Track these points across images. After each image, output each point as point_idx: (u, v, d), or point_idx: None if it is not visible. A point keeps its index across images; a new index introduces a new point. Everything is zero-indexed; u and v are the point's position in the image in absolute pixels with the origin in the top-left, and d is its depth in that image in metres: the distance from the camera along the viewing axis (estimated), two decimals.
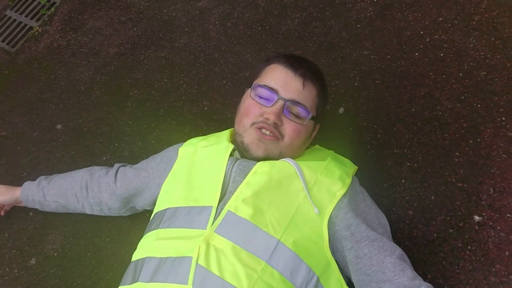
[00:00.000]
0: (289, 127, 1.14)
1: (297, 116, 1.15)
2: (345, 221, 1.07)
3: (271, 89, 1.14)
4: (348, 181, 1.12)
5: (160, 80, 1.81)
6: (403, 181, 1.35)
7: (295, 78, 1.16)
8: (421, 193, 1.32)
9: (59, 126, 1.83)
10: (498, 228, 1.23)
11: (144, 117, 1.73)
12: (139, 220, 1.46)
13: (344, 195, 1.09)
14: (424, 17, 1.62)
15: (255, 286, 0.94)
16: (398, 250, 1.05)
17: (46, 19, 2.29)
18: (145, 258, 1.07)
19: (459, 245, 1.23)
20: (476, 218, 1.25)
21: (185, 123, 1.66)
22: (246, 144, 1.15)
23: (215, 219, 1.04)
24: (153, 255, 1.06)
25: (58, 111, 1.88)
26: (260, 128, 1.13)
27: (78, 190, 1.43)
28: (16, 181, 1.61)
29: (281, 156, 1.15)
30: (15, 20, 2.41)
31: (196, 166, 1.19)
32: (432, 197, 1.31)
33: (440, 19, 1.60)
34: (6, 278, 1.52)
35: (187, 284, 0.95)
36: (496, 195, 1.27)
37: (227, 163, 1.14)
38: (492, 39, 1.50)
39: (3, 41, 2.33)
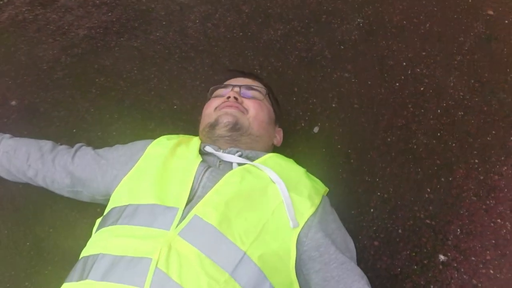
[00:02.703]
0: (250, 102, 1.24)
1: (254, 97, 1.27)
2: (315, 241, 1.02)
3: (225, 86, 1.30)
4: (317, 201, 1.07)
5: (129, 71, 1.70)
6: (372, 210, 1.32)
7: (244, 77, 1.33)
8: (389, 225, 1.29)
9: (13, 102, 1.67)
10: (462, 270, 1.21)
11: (107, 106, 1.61)
12: (88, 214, 1.33)
13: (314, 214, 1.04)
14: (408, 49, 1.62)
15: None
16: (365, 277, 1.02)
17: None
18: (98, 254, 0.96)
19: (421, 282, 1.20)
20: (441, 257, 1.23)
21: (151, 118, 1.56)
22: (215, 120, 1.20)
23: (180, 221, 0.96)
24: (108, 252, 0.95)
25: (14, 86, 1.72)
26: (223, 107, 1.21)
27: (33, 150, 1.32)
28: None
29: (252, 130, 1.20)
30: None
31: (165, 167, 1.11)
32: (400, 231, 1.28)
33: (424, 53, 1.60)
34: None
35: (142, 287, 0.86)
36: (463, 236, 1.26)
37: (198, 168, 1.07)
38: (472, 81, 1.52)
39: None
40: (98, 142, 1.52)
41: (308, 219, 1.02)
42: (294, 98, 1.56)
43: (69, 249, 1.31)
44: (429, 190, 1.33)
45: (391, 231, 1.28)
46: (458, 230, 1.27)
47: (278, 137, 1.31)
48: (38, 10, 1.99)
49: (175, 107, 1.58)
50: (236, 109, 1.19)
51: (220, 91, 1.29)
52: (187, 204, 1.00)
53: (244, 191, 1.02)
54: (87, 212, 1.35)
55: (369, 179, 1.37)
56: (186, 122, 1.54)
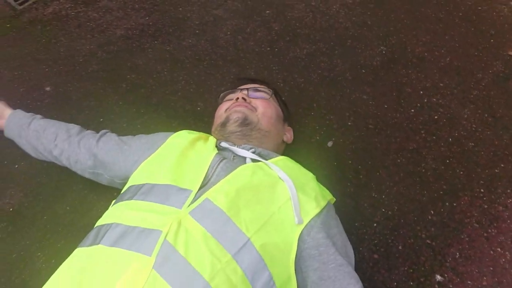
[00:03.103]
0: (258, 101, 1.33)
1: (261, 96, 1.36)
2: (316, 240, 1.06)
3: (234, 90, 1.40)
4: (323, 203, 1.12)
5: (160, 72, 1.79)
6: (375, 224, 1.36)
7: (251, 82, 1.43)
8: (390, 240, 1.32)
9: (48, 88, 1.78)
10: None
11: (135, 102, 1.70)
12: (105, 197, 1.41)
13: (318, 215, 1.08)
14: (426, 79, 1.68)
15: (216, 276, 0.91)
16: (361, 283, 1.05)
17: None
18: (112, 224, 1.03)
19: None
20: (438, 277, 1.26)
21: (175, 117, 1.64)
22: (226, 118, 1.29)
23: (191, 202, 1.02)
24: (121, 222, 1.02)
25: (51, 74, 1.83)
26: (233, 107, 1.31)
27: (61, 131, 1.42)
28: None
29: (260, 125, 1.27)
30: None
31: (183, 155, 1.18)
32: (400, 247, 1.31)
33: (441, 84, 1.66)
34: None
35: (150, 256, 0.92)
36: (461, 260, 1.28)
37: (214, 158, 1.14)
38: (486, 115, 1.56)
39: None
40: (122, 132, 1.59)
41: (312, 218, 1.07)
42: (312, 113, 1.62)
43: (83, 227, 1.38)
44: (432, 212, 1.37)
45: (392, 247, 1.31)
46: (457, 253, 1.29)
47: (288, 135, 1.39)
48: (81, 8, 2.12)
49: (198, 108, 1.66)
50: (245, 105, 1.29)
51: (230, 96, 1.40)
52: (200, 188, 1.06)
53: (254, 184, 1.08)
54: (105, 195, 1.42)
55: (375, 196, 1.41)
56: (207, 124, 1.61)
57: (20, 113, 1.55)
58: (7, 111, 1.56)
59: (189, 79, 1.76)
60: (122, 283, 0.90)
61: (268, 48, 1.85)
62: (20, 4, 2.22)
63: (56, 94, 1.76)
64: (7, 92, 1.73)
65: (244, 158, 1.18)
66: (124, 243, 0.96)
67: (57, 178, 1.51)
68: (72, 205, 1.45)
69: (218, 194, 1.04)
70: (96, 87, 1.77)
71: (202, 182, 1.08)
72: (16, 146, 1.58)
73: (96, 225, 1.09)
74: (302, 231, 1.06)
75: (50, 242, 1.37)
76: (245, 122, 1.25)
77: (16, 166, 1.56)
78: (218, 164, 1.13)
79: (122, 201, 1.11)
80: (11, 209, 1.45)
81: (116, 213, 1.07)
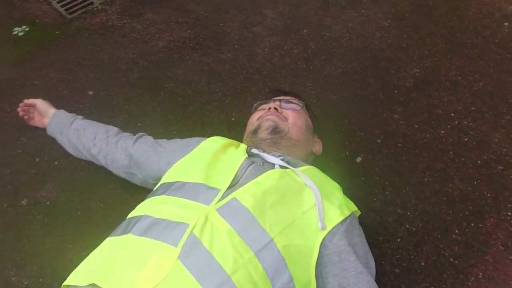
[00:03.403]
0: (289, 112, 1.38)
1: (292, 108, 1.41)
2: (337, 247, 1.09)
3: (267, 101, 1.45)
4: (347, 212, 1.15)
5: (197, 82, 1.88)
6: (398, 240, 1.38)
7: (284, 95, 1.49)
8: (412, 256, 1.34)
9: (90, 92, 1.90)
10: None
11: (172, 109, 1.79)
12: (137, 197, 1.47)
13: (341, 223, 1.12)
14: (458, 102, 1.70)
15: (238, 271, 0.96)
16: None
17: (108, 0, 2.41)
18: (142, 215, 1.09)
19: None
20: None
21: (209, 125, 1.71)
22: (257, 126, 1.35)
23: (219, 200, 1.07)
24: (151, 214, 1.08)
25: (94, 79, 1.95)
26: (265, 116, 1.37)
27: (100, 131, 1.53)
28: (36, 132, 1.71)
29: (291, 135, 1.32)
30: None
31: (215, 157, 1.24)
32: (422, 263, 1.32)
33: (473, 108, 1.68)
34: None
35: (176, 247, 0.97)
36: (484, 281, 1.29)
37: (243, 162, 1.20)
38: None
39: (62, 6, 2.43)
40: (158, 137, 1.67)
41: (335, 225, 1.10)
42: (343, 129, 1.67)
43: (114, 224, 1.44)
44: (457, 231, 1.38)
45: (414, 262, 1.33)
46: (481, 274, 1.30)
47: (317, 147, 1.43)
48: (126, 19, 2.25)
49: (232, 119, 1.73)
50: (276, 116, 1.34)
51: (263, 106, 1.46)
52: (228, 188, 1.12)
53: (281, 188, 1.12)
54: (137, 195, 1.49)
55: (400, 212, 1.43)
56: (240, 134, 1.66)
57: (63, 113, 1.67)
58: (51, 111, 1.68)
59: (226, 91, 1.84)
60: (147, 269, 0.96)
61: (304, 65, 1.91)
62: (70, 13, 2.37)
63: (98, 98, 1.87)
64: (52, 93, 1.84)
65: (273, 164, 1.23)
66: (153, 233, 1.03)
67: (93, 176, 1.60)
68: (105, 202, 1.54)
69: (245, 194, 1.09)
70: (136, 94, 1.87)
71: (231, 183, 1.14)
72: (56, 144, 1.69)
73: (127, 217, 1.16)
74: (324, 237, 1.09)
75: (82, 235, 1.45)
76: (275, 130, 1.30)
77: (56, 162, 1.66)
78: (248, 167, 1.18)
79: (153, 196, 1.18)
80: (47, 202, 1.54)
81: (147, 207, 1.14)
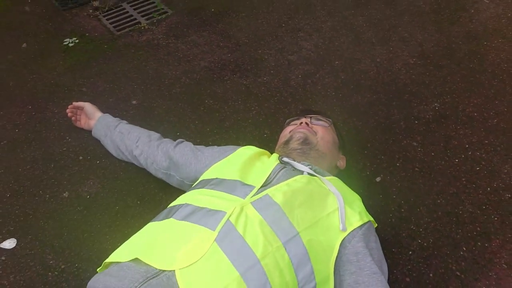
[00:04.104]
0: (319, 128, 1.55)
1: (321, 125, 1.57)
2: (355, 248, 1.24)
3: (298, 117, 1.61)
4: (366, 219, 1.30)
5: (235, 100, 2.08)
6: (410, 252, 1.52)
7: (314, 113, 1.64)
8: (422, 268, 1.47)
9: (134, 102, 2.11)
10: None
11: (210, 123, 1.98)
12: (172, 198, 1.59)
13: (360, 227, 1.26)
14: (473, 135, 1.86)
15: (267, 257, 1.11)
16: None
17: (155, 21, 2.67)
18: (183, 204, 1.27)
19: None
20: None
21: (243, 140, 1.89)
22: (289, 137, 1.51)
23: (254, 195, 1.25)
24: (191, 203, 1.26)
25: (138, 90, 2.17)
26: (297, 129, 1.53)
27: (143, 135, 1.73)
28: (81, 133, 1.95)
29: (319, 147, 1.47)
30: (127, 12, 2.80)
31: (250, 161, 1.43)
32: (431, 275, 1.46)
33: (486, 141, 1.83)
34: (37, 198, 1.75)
35: (214, 230, 1.14)
36: None
37: (276, 166, 1.37)
38: None
39: (111, 23, 2.69)
40: None
41: (354, 229, 1.26)
42: (366, 152, 1.84)
43: (149, 221, 1.59)
44: (465, 249, 1.51)
45: (423, 274, 1.46)
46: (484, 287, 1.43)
47: (341, 162, 1.59)
48: (171, 39, 2.49)
49: (265, 135, 1.91)
50: (307, 130, 1.51)
51: (294, 121, 1.61)
52: (261, 187, 1.29)
53: (308, 191, 1.29)
54: (172, 196, 1.61)
55: (413, 228, 1.58)
56: (271, 149, 1.81)
57: (108, 116, 1.88)
58: (98, 114, 1.90)
59: (260, 110, 2.03)
60: (187, 248, 1.12)
61: (333, 93, 2.10)
62: (118, 30, 2.63)
63: (141, 108, 2.08)
64: (98, 99, 2.05)
65: (302, 171, 1.40)
66: (193, 218, 1.20)
67: (132, 176, 1.80)
68: (142, 200, 1.72)
69: (277, 193, 1.26)
70: (177, 107, 2.08)
71: (264, 182, 1.31)
72: (100, 145, 1.90)
73: (168, 206, 1.34)
74: (344, 238, 1.24)
75: (118, 228, 1.62)
76: (306, 142, 1.47)
77: (98, 162, 1.87)
78: (279, 171, 1.35)
79: (193, 189, 1.36)
80: (88, 197, 1.74)
81: (187, 197, 1.32)
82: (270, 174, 1.35)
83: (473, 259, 1.49)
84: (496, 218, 1.59)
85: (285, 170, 1.36)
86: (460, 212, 1.61)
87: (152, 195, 1.72)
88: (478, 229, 1.56)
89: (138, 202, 1.71)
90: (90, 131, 1.93)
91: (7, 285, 1.49)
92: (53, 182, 1.80)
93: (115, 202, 1.72)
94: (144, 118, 1.99)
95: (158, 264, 1.11)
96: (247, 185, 1.31)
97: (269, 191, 1.27)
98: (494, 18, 2.50)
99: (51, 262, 1.55)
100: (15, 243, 1.62)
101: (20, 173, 1.85)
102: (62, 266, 1.54)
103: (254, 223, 1.17)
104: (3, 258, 1.57)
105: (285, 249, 1.16)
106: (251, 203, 1.23)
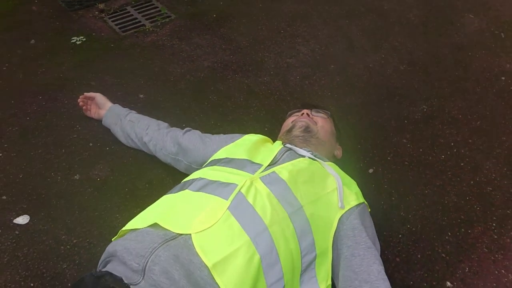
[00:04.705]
0: (319, 118, 1.68)
1: (321, 116, 1.70)
2: (352, 224, 1.36)
3: (299, 110, 1.72)
4: (361, 200, 1.43)
5: (237, 97, 2.22)
6: (400, 236, 1.64)
7: (314, 107, 1.76)
8: (411, 250, 1.60)
9: (141, 95, 2.23)
10: None
11: (214, 116, 2.11)
12: (179, 182, 1.75)
13: (356, 206, 1.39)
14: (458, 135, 2.01)
15: (274, 225, 1.23)
16: (383, 265, 1.33)
17: (159, 24, 2.81)
18: (197, 178, 1.39)
19: None
20: (448, 284, 1.51)
21: (245, 132, 1.94)
22: (292, 126, 1.63)
23: (262, 172, 1.37)
24: (205, 177, 1.38)
25: (145, 85, 2.29)
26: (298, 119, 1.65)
27: (153, 124, 1.85)
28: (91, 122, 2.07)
29: (319, 135, 1.59)
30: (132, 15, 2.94)
31: (256, 144, 1.55)
32: (419, 256, 1.58)
33: (470, 141, 1.99)
34: (48, 180, 1.85)
35: (227, 200, 1.25)
36: (470, 274, 1.54)
37: (281, 149, 1.50)
38: (505, 169, 1.86)
39: (116, 25, 2.82)
40: None
41: (351, 207, 1.38)
42: (359, 146, 1.98)
43: None
44: (450, 234, 1.65)
45: (412, 254, 1.59)
46: (467, 268, 1.55)
47: (338, 152, 1.72)
48: (175, 41, 2.62)
49: (265, 129, 2.04)
50: (308, 118, 1.65)
51: (296, 113, 1.74)
52: (268, 165, 1.41)
53: (311, 171, 1.42)
54: (179, 180, 1.72)
55: (403, 214, 1.71)
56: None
57: (118, 107, 1.99)
58: (108, 104, 2.02)
59: (261, 107, 2.17)
60: (202, 215, 1.24)
61: (329, 93, 2.25)
62: (123, 31, 2.76)
63: (148, 101, 2.20)
64: (107, 93, 2.14)
65: (304, 156, 1.52)
66: (207, 189, 1.32)
67: (141, 162, 1.91)
68: (151, 184, 1.82)
69: (283, 170, 1.38)
70: (182, 101, 2.20)
71: (271, 162, 1.43)
72: (109, 133, 2.01)
73: (182, 181, 1.45)
74: (342, 214, 1.37)
75: (128, 208, 1.72)
76: (307, 129, 1.60)
77: (107, 148, 1.98)
78: (284, 153, 1.48)
79: (206, 166, 1.48)
80: (98, 179, 1.84)
81: (201, 173, 1.44)
82: (276, 155, 1.47)
83: (457, 243, 1.62)
84: (478, 208, 1.73)
85: (289, 152, 1.49)
86: (446, 202, 1.75)
87: (160, 179, 1.83)
88: (462, 217, 1.70)
89: (147, 185, 1.81)
90: (100, 121, 2.04)
91: (21, 257, 1.58)
92: (64, 166, 1.89)
93: (124, 184, 1.82)
94: (151, 111, 2.09)
95: (175, 228, 1.22)
96: (255, 163, 1.43)
97: (275, 168, 1.39)
98: (478, 32, 2.69)
99: (63, 237, 1.64)
100: (28, 219, 1.70)
101: (32, 157, 1.94)
102: (74, 241, 1.63)
103: (263, 195, 1.29)
104: (16, 232, 1.66)
105: (290, 219, 1.27)
106: (259, 178, 1.34)
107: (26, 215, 1.71)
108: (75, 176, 1.85)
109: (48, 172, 1.87)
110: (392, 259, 1.58)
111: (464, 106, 2.16)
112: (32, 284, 1.50)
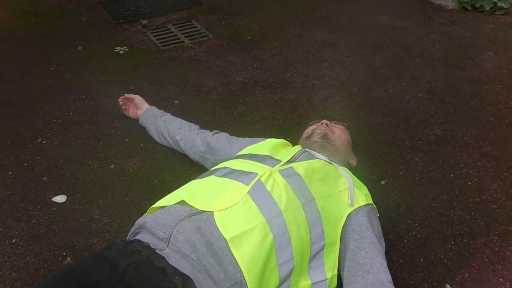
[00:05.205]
0: (336, 128, 1.84)
1: (339, 127, 1.85)
2: (360, 221, 1.50)
3: (319, 121, 1.87)
4: (370, 201, 1.57)
5: (264, 110, 2.40)
6: (405, 241, 1.76)
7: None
8: (415, 254, 1.71)
9: (176, 102, 2.44)
10: None
11: (241, 125, 2.29)
12: None
13: (365, 206, 1.53)
14: (468, 158, 2.14)
15: (288, 211, 1.38)
16: (386, 260, 1.45)
17: (197, 42, 3.05)
18: (222, 167, 1.55)
19: None
20: (448, 286, 1.61)
21: None
22: (311, 132, 1.79)
23: (281, 166, 1.52)
24: (230, 166, 1.55)
25: (180, 93, 2.50)
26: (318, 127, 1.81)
27: (185, 125, 2.05)
28: (128, 121, 2.20)
29: (335, 143, 1.75)
30: (172, 32, 3.20)
31: (277, 147, 1.72)
32: (422, 259, 1.69)
33: (479, 163, 2.11)
34: (86, 167, 2.06)
35: (247, 185, 1.41)
36: (469, 279, 1.64)
37: (300, 150, 1.65)
38: (511, 190, 1.97)
39: (157, 39, 3.06)
40: None
41: (360, 206, 1.52)
42: (374, 161, 2.12)
43: None
44: (453, 243, 1.75)
45: (415, 258, 1.70)
46: (467, 274, 1.65)
47: (352, 161, 1.87)
48: (210, 57, 2.85)
49: (288, 139, 2.16)
50: (327, 127, 1.80)
51: (316, 123, 1.88)
52: (287, 162, 1.56)
53: (325, 171, 1.57)
54: None
55: (409, 222, 1.83)
56: None
57: (154, 108, 2.20)
58: (146, 105, 2.23)
59: (286, 120, 2.34)
60: (224, 196, 1.40)
61: (350, 113, 2.41)
62: (163, 46, 2.99)
63: (182, 107, 2.40)
64: (144, 97, 2.35)
65: (320, 159, 1.67)
66: (230, 176, 1.49)
67: (171, 158, 2.10)
68: (179, 178, 2.00)
69: (300, 167, 1.54)
70: (213, 109, 2.39)
71: (289, 159, 1.59)
72: (144, 132, 2.22)
73: (209, 170, 1.61)
74: (351, 211, 1.50)
75: (156, 197, 1.85)
76: (325, 137, 1.76)
77: (141, 144, 2.18)
78: (302, 153, 1.64)
79: (231, 159, 1.65)
80: (131, 170, 2.04)
81: (226, 163, 1.61)
82: (295, 154, 1.63)
83: (459, 251, 1.73)
84: (482, 223, 1.84)
85: (307, 153, 1.64)
86: (451, 215, 1.86)
87: (188, 175, 2.00)
88: (466, 229, 1.81)
89: (175, 179, 1.98)
90: (136, 120, 2.24)
91: (56, 230, 1.76)
92: (101, 156, 2.09)
93: (155, 176, 2.00)
94: (184, 116, 2.28)
95: (200, 205, 1.38)
96: (276, 159, 1.59)
97: (293, 165, 1.55)
98: (496, 68, 2.84)
99: (96, 216, 1.82)
100: (65, 198, 1.89)
101: (73, 146, 2.15)
102: (105, 220, 1.80)
103: (280, 185, 1.44)
104: (54, 209, 1.85)
105: (303, 209, 1.42)
106: (278, 171, 1.50)
107: (64, 195, 1.90)
108: (111, 166, 2.04)
109: (86, 160, 2.07)
110: (396, 260, 1.69)
111: (476, 133, 2.29)
112: (64, 253, 1.68)
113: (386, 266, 1.43)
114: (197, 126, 2.06)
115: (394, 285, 1.42)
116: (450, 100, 2.53)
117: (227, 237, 1.30)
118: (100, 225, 1.78)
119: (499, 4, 3.40)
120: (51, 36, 3.14)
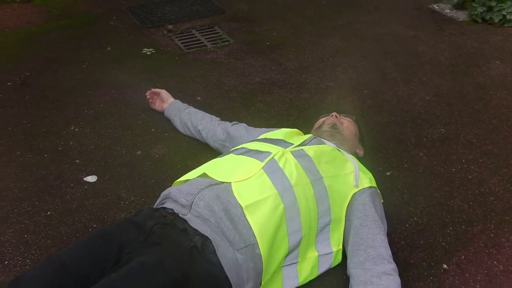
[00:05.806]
0: (345, 120, 2.00)
1: (348, 119, 2.00)
2: (363, 200, 1.66)
3: (329, 114, 2.02)
4: (374, 185, 1.72)
5: (280, 107, 2.58)
6: (407, 225, 1.90)
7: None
8: (415, 236, 1.86)
9: (199, 98, 2.63)
10: (456, 278, 1.71)
11: (258, 120, 2.47)
12: None
13: (369, 188, 1.69)
14: (470, 154, 2.28)
15: (298, 186, 1.55)
16: (387, 236, 1.60)
17: (219, 46, 3.25)
18: (240, 147, 1.73)
19: (425, 273, 1.72)
20: (444, 266, 1.75)
21: None
22: (322, 123, 1.96)
23: (293, 148, 1.69)
24: (247, 147, 1.72)
25: (203, 91, 2.69)
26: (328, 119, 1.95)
27: (207, 116, 2.25)
28: (154, 113, 2.40)
29: (343, 133, 1.91)
30: (196, 36, 3.42)
31: (291, 132, 1.88)
32: (421, 242, 1.83)
33: (480, 160, 2.25)
34: (115, 152, 2.26)
35: (262, 162, 1.59)
36: (465, 261, 1.77)
37: (311, 136, 1.81)
38: (508, 185, 2.10)
39: (182, 43, 3.27)
40: None
41: (364, 188, 1.69)
42: (380, 154, 2.27)
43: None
44: (451, 228, 1.89)
45: (415, 240, 1.84)
46: (463, 256, 1.78)
47: (359, 151, 2.03)
48: (232, 60, 3.05)
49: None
50: (336, 119, 1.96)
51: (327, 115, 2.03)
52: (298, 145, 1.73)
53: (333, 155, 1.73)
54: None
55: (411, 209, 1.97)
56: None
57: (179, 102, 2.41)
58: (171, 99, 2.44)
59: (299, 116, 2.52)
60: (241, 170, 1.58)
61: (360, 112, 2.58)
62: (187, 48, 3.20)
63: (204, 103, 2.59)
64: (169, 93, 2.53)
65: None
66: (247, 154, 1.67)
67: (193, 146, 2.29)
68: (200, 163, 2.07)
69: (310, 149, 1.70)
70: (233, 106, 2.58)
71: (301, 143, 1.75)
72: (169, 123, 2.42)
73: (229, 151, 1.79)
74: (356, 192, 1.67)
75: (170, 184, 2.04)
76: (334, 127, 1.92)
77: (166, 134, 2.37)
78: (313, 139, 1.80)
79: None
80: (156, 156, 2.23)
81: (244, 144, 1.78)
82: (305, 140, 1.79)
83: (457, 236, 1.87)
84: (480, 212, 1.97)
85: (317, 139, 1.81)
86: (451, 204, 2.00)
87: (208, 161, 2.15)
88: (464, 217, 1.95)
89: (196, 164, 2.11)
90: (162, 113, 2.43)
91: (87, 205, 1.95)
92: (129, 143, 2.28)
93: (178, 162, 2.19)
94: (205, 110, 2.46)
95: (219, 177, 1.56)
96: (288, 142, 1.75)
97: (304, 147, 1.71)
98: (502, 75, 2.98)
99: (123, 194, 2.00)
100: (96, 179, 2.08)
101: (103, 134, 2.35)
102: (132, 198, 1.98)
103: (291, 163, 1.61)
104: (85, 187, 2.04)
105: (312, 185, 1.59)
106: (290, 151, 1.67)
107: (95, 176, 2.09)
108: (138, 152, 2.23)
109: (115, 146, 2.26)
110: (398, 242, 1.83)
111: (479, 133, 2.43)
112: (94, 225, 1.86)
113: (387, 243, 1.58)
114: (218, 118, 2.24)
115: (395, 263, 1.57)
116: (456, 103, 2.68)
117: (243, 205, 1.47)
118: (127, 202, 1.96)
119: (508, 16, 3.54)
120: (82, 38, 3.39)
